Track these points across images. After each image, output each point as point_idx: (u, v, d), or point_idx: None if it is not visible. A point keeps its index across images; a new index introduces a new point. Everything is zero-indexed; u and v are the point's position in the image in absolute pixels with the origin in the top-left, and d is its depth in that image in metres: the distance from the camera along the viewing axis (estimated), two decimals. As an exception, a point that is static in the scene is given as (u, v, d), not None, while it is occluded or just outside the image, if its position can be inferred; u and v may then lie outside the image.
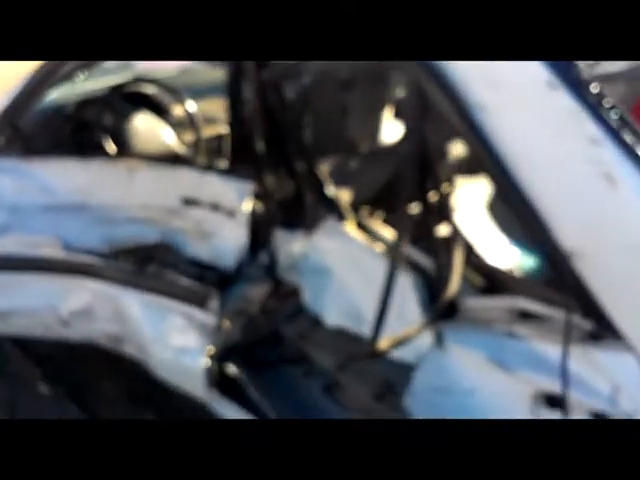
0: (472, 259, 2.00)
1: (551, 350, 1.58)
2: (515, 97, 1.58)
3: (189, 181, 2.45)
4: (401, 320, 1.92)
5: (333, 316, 2.26)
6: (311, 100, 2.39)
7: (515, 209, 1.62)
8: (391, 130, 2.51)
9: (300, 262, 2.35)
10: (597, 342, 1.53)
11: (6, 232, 2.49)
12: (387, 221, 2.35)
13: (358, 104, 2.46)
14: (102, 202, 2.52)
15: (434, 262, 2.01)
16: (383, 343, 1.89)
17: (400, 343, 1.91)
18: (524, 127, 1.57)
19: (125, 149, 2.92)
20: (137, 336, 2.37)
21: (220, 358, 2.26)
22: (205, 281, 2.33)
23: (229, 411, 2.23)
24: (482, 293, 1.93)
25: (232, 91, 2.40)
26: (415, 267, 2.04)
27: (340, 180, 2.38)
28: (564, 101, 1.51)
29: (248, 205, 2.33)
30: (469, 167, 2.04)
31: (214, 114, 3.25)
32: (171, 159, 2.92)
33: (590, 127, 1.48)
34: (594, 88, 1.54)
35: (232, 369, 2.28)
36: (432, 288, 1.98)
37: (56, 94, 2.81)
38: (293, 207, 2.39)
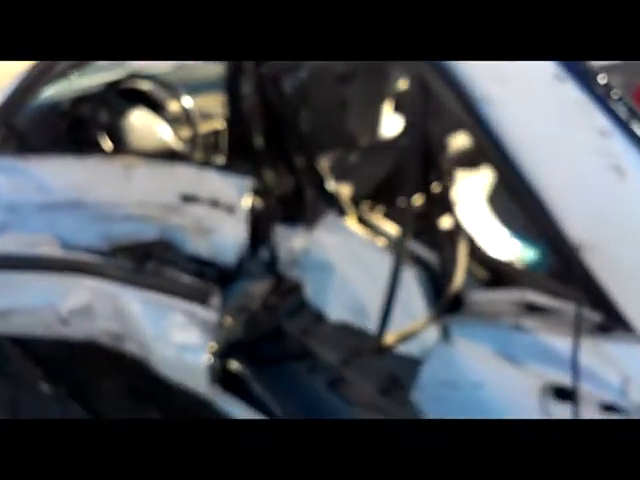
0: (476, 252, 1.99)
1: (559, 342, 1.58)
2: (523, 90, 1.58)
3: (187, 177, 2.43)
4: (406, 315, 1.92)
5: (336, 311, 2.26)
6: (310, 94, 2.37)
7: (523, 202, 1.61)
8: (391, 123, 2.50)
9: (301, 257, 2.35)
10: (606, 334, 1.52)
11: (3, 231, 2.47)
12: (388, 215, 2.35)
13: (357, 97, 2.45)
14: (99, 199, 2.50)
15: (438, 256, 2.01)
16: (389, 338, 1.88)
17: (406, 338, 1.91)
18: (532, 120, 1.56)
19: (121, 146, 2.89)
20: (138, 334, 2.35)
21: (222, 355, 2.25)
22: (206, 278, 2.32)
23: (233, 408, 2.22)
24: (486, 286, 1.93)
25: (230, 86, 2.39)
26: (419, 261, 2.04)
27: (340, 174, 2.37)
28: (572, 93, 1.50)
29: (247, 201, 2.32)
30: (473, 160, 2.04)
31: (210, 110, 3.23)
32: (168, 155, 2.91)
33: (599, 119, 1.48)
34: (601, 79, 1.54)
35: (235, 365, 2.28)
36: (436, 282, 1.98)
37: (51, 91, 2.78)
38: (293, 202, 2.38)
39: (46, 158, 2.56)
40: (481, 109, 1.61)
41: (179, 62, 3.26)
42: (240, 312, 2.32)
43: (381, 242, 2.17)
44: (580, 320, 1.50)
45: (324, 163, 2.36)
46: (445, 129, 2.05)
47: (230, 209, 2.35)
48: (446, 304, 1.87)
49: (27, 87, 2.54)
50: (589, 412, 1.52)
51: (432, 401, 1.82)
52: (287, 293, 2.38)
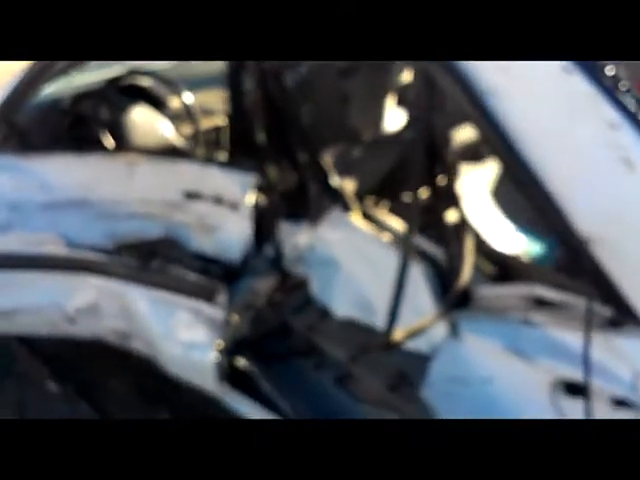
0: (483, 247, 1.98)
1: (569, 337, 1.58)
2: (530, 82, 1.56)
3: (190, 174, 2.42)
4: (414, 311, 1.91)
5: (342, 307, 2.25)
6: (312, 89, 2.36)
7: (530, 195, 1.60)
8: (394, 117, 2.49)
9: (306, 254, 2.34)
10: (617, 328, 1.52)
11: (8, 230, 2.46)
12: (393, 210, 2.33)
13: (360, 91, 2.43)
14: (102, 197, 2.49)
15: (444, 251, 2.00)
16: (397, 334, 1.88)
17: (414, 334, 1.90)
18: (539, 112, 1.55)
19: (123, 143, 2.88)
20: (145, 332, 2.35)
21: (230, 352, 2.25)
22: (211, 275, 2.31)
23: (241, 405, 2.22)
24: (494, 281, 1.93)
25: (232, 82, 2.38)
26: (425, 257, 2.03)
27: (344, 169, 2.36)
28: (581, 85, 1.49)
29: (251, 197, 2.31)
30: (478, 153, 2.02)
31: (212, 106, 3.21)
32: (170, 152, 2.89)
33: (608, 111, 1.47)
34: (609, 71, 1.52)
35: (242, 363, 2.27)
36: (444, 277, 1.97)
37: (52, 88, 2.77)
38: (297, 198, 2.37)
39: (48, 156, 2.55)
40: (487, 102, 1.60)
41: (179, 60, 3.25)
42: (246, 309, 2.31)
43: (386, 237, 2.16)
44: (591, 315, 1.50)
45: (327, 158, 2.35)
46: (450, 122, 2.03)
47: (234, 206, 2.34)
48: (454, 300, 1.86)
49: (27, 85, 2.52)
50: (600, 407, 1.52)
51: (441, 397, 1.81)
52: (293, 289, 2.38)
